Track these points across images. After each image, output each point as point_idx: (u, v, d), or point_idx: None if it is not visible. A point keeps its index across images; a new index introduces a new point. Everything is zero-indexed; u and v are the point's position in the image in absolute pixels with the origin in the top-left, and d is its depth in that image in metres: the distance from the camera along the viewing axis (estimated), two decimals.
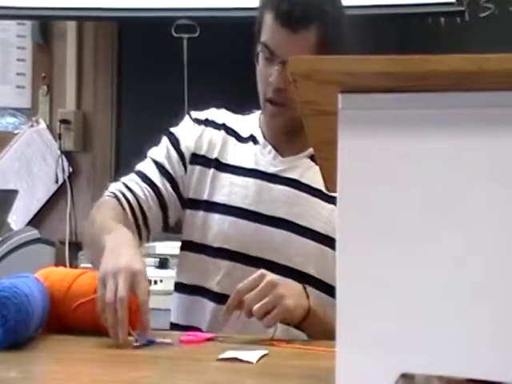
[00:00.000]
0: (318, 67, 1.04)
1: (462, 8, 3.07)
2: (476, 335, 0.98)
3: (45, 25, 3.75)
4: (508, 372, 0.96)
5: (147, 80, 3.58)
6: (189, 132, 1.94)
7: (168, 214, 1.91)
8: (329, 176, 1.27)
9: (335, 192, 1.06)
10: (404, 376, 1.00)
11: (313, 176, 1.86)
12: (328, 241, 1.82)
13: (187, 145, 1.92)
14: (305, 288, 1.67)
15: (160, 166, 1.91)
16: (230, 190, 1.88)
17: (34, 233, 3.11)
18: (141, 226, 1.88)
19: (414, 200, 1.02)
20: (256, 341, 1.58)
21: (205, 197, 1.89)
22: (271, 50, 1.81)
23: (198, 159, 1.92)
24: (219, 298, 1.81)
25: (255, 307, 1.57)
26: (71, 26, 3.72)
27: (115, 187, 1.90)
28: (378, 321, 1.01)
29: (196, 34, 3.17)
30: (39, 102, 3.76)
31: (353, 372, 1.01)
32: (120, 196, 1.87)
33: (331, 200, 1.84)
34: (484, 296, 0.98)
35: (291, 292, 1.62)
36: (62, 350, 1.52)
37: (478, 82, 1.00)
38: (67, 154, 3.70)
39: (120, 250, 1.59)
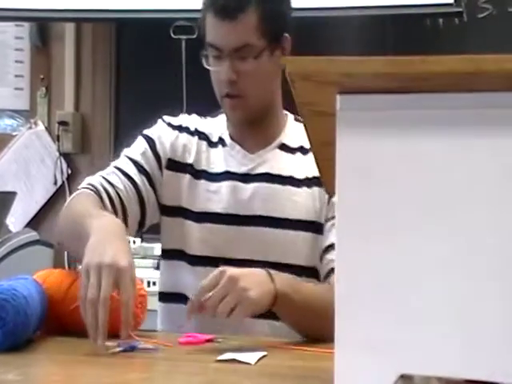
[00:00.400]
0: (316, 68, 1.04)
1: (461, 9, 3.07)
2: (475, 336, 0.98)
3: (43, 26, 3.74)
4: (507, 373, 0.96)
5: (145, 81, 3.58)
6: (164, 136, 1.93)
7: (146, 211, 1.89)
8: (327, 176, 1.27)
9: (334, 193, 1.06)
10: (403, 377, 1.00)
11: (282, 164, 1.89)
12: (306, 225, 1.84)
13: (163, 148, 1.91)
14: (269, 272, 1.64)
15: (137, 164, 1.89)
16: (205, 197, 1.88)
17: (32, 235, 3.11)
18: (120, 219, 1.81)
19: (412, 200, 1.02)
20: (254, 342, 1.58)
21: (183, 204, 1.89)
22: (217, 46, 1.82)
23: (174, 165, 1.90)
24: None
25: (219, 308, 1.54)
26: (69, 27, 3.72)
27: (93, 180, 1.87)
28: (377, 322, 1.01)
29: (194, 36, 3.16)
30: (37, 103, 3.76)
31: (352, 373, 1.01)
32: (100, 188, 1.84)
33: (304, 182, 1.86)
34: (484, 297, 0.98)
35: (253, 282, 1.59)
36: (61, 352, 1.52)
37: (476, 82, 1.00)
38: (66, 155, 3.70)
39: (107, 241, 1.56)
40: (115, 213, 1.82)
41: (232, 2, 1.80)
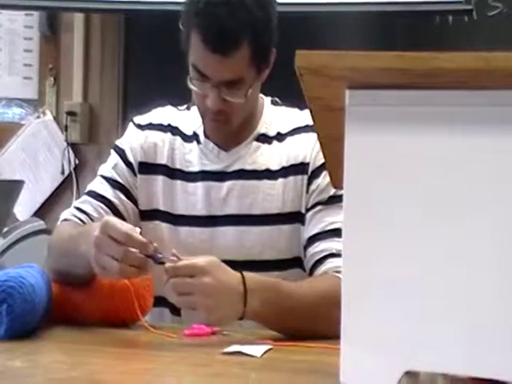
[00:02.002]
0: (325, 63, 1.04)
1: (470, 6, 3.06)
2: (480, 333, 0.98)
3: (52, 16, 3.74)
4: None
5: (154, 72, 3.58)
6: (133, 140, 1.89)
7: None
8: (335, 171, 1.27)
9: (341, 189, 1.06)
10: (408, 373, 1.00)
11: (258, 158, 1.85)
12: (284, 218, 1.81)
13: (133, 154, 1.87)
14: (245, 291, 1.56)
15: (110, 180, 1.86)
16: (183, 199, 1.85)
17: (39, 223, 3.12)
18: None
19: (420, 196, 1.02)
20: (260, 335, 1.58)
21: (160, 207, 1.86)
22: (204, 73, 1.74)
23: (146, 168, 1.87)
24: (186, 311, 1.77)
25: (178, 299, 1.54)
26: (78, 17, 3.71)
27: (67, 213, 1.85)
28: (383, 318, 1.01)
29: None
30: (46, 93, 3.76)
31: (357, 369, 1.02)
32: (75, 220, 1.82)
33: (279, 173, 1.83)
34: (489, 294, 0.99)
35: (221, 303, 1.54)
36: (67, 340, 1.53)
37: (486, 79, 1.00)
38: (73, 145, 3.70)
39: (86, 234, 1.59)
40: None
41: (225, 37, 1.68)
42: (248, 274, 1.59)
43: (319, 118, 1.18)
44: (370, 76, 1.04)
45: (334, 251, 1.72)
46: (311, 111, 1.16)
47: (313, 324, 1.58)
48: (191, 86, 1.77)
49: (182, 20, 1.77)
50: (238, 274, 1.58)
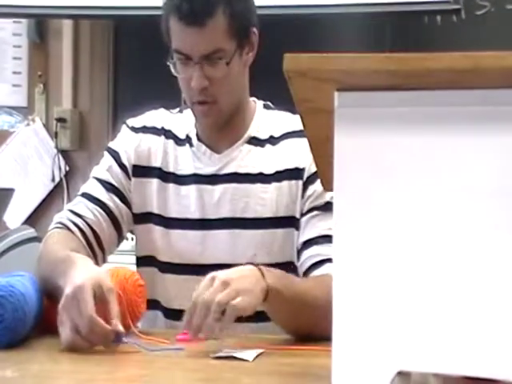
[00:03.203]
0: (314, 65, 1.04)
1: (459, 6, 3.07)
2: (472, 332, 0.98)
3: (41, 23, 3.75)
4: (504, 369, 0.97)
5: (143, 78, 3.58)
6: (127, 143, 1.88)
7: (122, 229, 1.86)
8: (324, 173, 1.27)
9: (331, 190, 1.06)
10: (400, 373, 1.00)
11: (251, 161, 1.84)
12: (277, 222, 1.80)
13: (127, 157, 1.86)
14: (259, 268, 1.57)
15: (104, 182, 1.85)
16: (176, 202, 1.84)
17: (30, 231, 3.09)
18: (95, 250, 1.81)
19: (410, 197, 1.02)
20: (252, 340, 1.58)
21: (153, 210, 1.85)
22: (185, 53, 1.75)
23: (140, 170, 1.86)
24: (174, 314, 1.78)
25: (206, 324, 1.47)
26: (67, 24, 3.72)
27: (62, 216, 1.83)
28: (374, 318, 1.01)
29: None
30: (35, 100, 3.76)
31: (349, 369, 1.01)
32: (69, 224, 1.81)
33: (273, 177, 1.82)
34: (482, 294, 0.98)
35: (244, 283, 1.51)
36: (59, 349, 1.51)
37: (474, 79, 1.00)
38: (63, 152, 3.70)
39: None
40: (89, 245, 1.80)
41: (198, 6, 1.71)
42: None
43: (308, 121, 1.18)
44: (359, 78, 1.04)
45: (331, 256, 1.71)
46: (300, 114, 1.16)
47: (319, 314, 1.51)
48: (175, 74, 1.78)
49: (163, 14, 1.79)
50: (242, 266, 1.57)
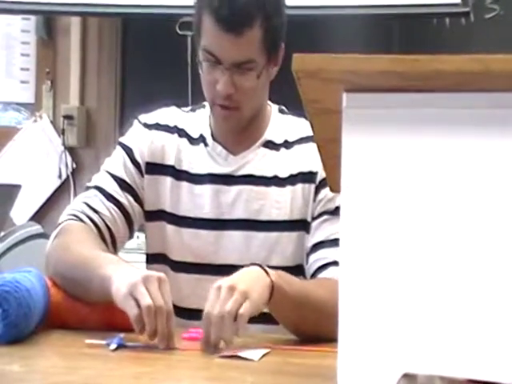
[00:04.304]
0: (323, 66, 1.04)
1: (467, 9, 3.07)
2: (479, 336, 0.98)
3: (49, 20, 3.75)
4: (510, 373, 0.97)
5: (151, 76, 3.59)
6: (140, 140, 1.87)
7: (133, 228, 1.86)
8: (332, 174, 1.27)
9: (339, 191, 1.06)
10: (406, 376, 1.00)
11: (266, 164, 1.84)
12: (290, 225, 1.81)
13: (141, 154, 1.86)
14: (262, 267, 1.57)
15: (119, 180, 1.84)
16: (189, 201, 1.84)
17: (36, 228, 3.11)
18: (109, 248, 1.80)
19: (417, 198, 1.02)
20: (258, 339, 1.58)
21: (165, 208, 1.85)
22: (216, 56, 1.73)
23: (153, 168, 1.86)
24: (186, 313, 1.78)
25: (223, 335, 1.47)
26: (75, 21, 3.72)
27: (77, 208, 1.82)
28: (381, 320, 1.01)
29: None
30: (43, 97, 3.76)
31: (355, 371, 1.01)
32: (84, 218, 1.80)
33: (288, 181, 1.83)
34: (487, 296, 0.98)
35: (249, 283, 1.51)
36: (64, 345, 1.52)
37: (483, 82, 1.00)
38: (70, 149, 3.70)
39: (126, 269, 1.55)
40: (103, 239, 1.79)
41: (238, 15, 1.69)
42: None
43: (316, 121, 1.18)
44: (368, 79, 1.04)
45: (337, 259, 1.71)
46: (308, 114, 1.16)
47: (323, 316, 1.52)
48: (201, 72, 1.78)
49: (194, 4, 1.78)
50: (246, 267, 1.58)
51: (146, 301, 1.45)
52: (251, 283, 1.52)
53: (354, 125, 1.05)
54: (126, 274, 1.51)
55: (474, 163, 1.01)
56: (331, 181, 1.36)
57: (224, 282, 1.50)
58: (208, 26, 1.73)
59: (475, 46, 3.14)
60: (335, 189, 1.24)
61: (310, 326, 1.60)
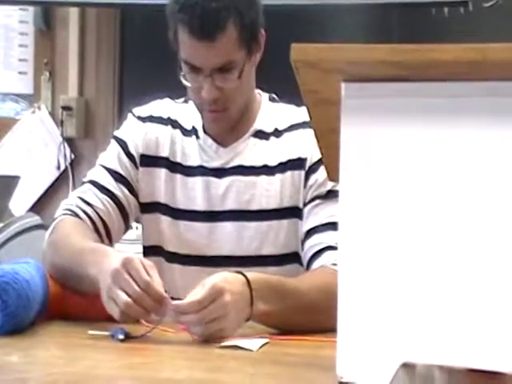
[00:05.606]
0: (321, 56, 1.04)
1: None
2: (478, 325, 0.98)
3: (47, 11, 3.74)
4: (510, 362, 0.97)
5: (149, 67, 3.58)
6: (134, 132, 1.88)
7: (129, 219, 1.87)
8: (331, 164, 1.27)
9: (337, 181, 1.06)
10: (405, 365, 1.00)
11: (256, 154, 1.85)
12: (282, 213, 1.81)
13: (135, 146, 1.87)
14: (251, 294, 1.53)
15: (113, 172, 1.85)
16: (182, 192, 1.85)
17: (35, 219, 3.10)
18: (104, 240, 1.81)
19: (416, 188, 1.02)
20: (257, 330, 1.58)
21: (160, 200, 1.86)
22: (195, 65, 1.74)
23: (148, 160, 1.87)
24: None
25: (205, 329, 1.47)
26: (74, 12, 3.71)
27: (71, 203, 1.83)
28: (379, 310, 1.01)
29: None
30: (41, 88, 3.76)
31: (354, 361, 1.01)
32: (79, 212, 1.80)
33: (277, 169, 1.83)
34: (486, 285, 0.98)
35: (237, 312, 1.50)
36: (64, 336, 1.53)
37: (483, 71, 1.00)
38: (69, 140, 3.70)
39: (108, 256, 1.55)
40: (98, 233, 1.80)
41: (209, 21, 1.69)
42: (251, 275, 1.56)
43: (315, 112, 1.17)
44: (366, 69, 1.04)
45: (331, 244, 1.72)
46: (307, 104, 1.16)
47: (313, 318, 1.57)
48: (185, 83, 1.78)
49: (168, 21, 1.78)
50: (240, 277, 1.54)
51: (121, 299, 1.46)
52: (229, 320, 1.49)
53: (352, 115, 1.05)
54: (106, 273, 1.50)
55: (474, 152, 1.00)
56: (330, 171, 1.36)
57: (226, 296, 1.48)
58: (183, 38, 1.74)
59: (474, 35, 3.14)
60: (334, 178, 1.23)
61: (303, 327, 1.58)
